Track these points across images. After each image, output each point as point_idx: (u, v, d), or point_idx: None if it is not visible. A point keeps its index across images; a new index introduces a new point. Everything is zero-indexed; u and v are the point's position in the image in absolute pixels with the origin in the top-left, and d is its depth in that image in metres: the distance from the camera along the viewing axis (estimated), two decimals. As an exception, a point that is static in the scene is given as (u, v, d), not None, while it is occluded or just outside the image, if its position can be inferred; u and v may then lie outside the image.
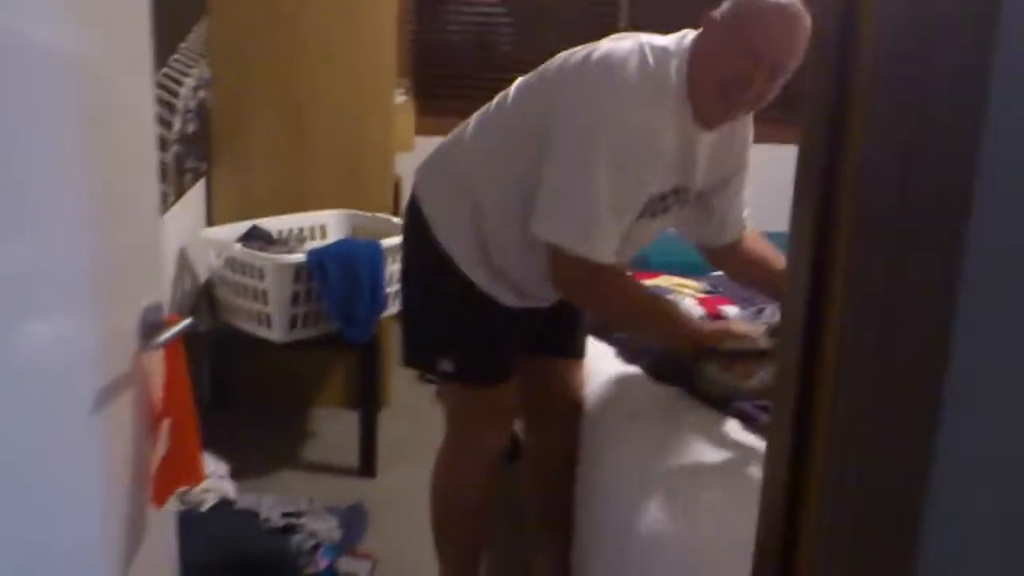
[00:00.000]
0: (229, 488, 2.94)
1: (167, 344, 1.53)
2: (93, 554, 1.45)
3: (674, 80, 1.99)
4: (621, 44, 2.04)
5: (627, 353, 2.55)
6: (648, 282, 3.05)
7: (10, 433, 1.23)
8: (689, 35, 2.06)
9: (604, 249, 1.99)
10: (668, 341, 2.26)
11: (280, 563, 2.62)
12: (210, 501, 2.81)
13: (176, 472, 1.61)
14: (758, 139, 2.27)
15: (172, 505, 1.76)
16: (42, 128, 1.26)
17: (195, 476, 1.65)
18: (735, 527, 1.73)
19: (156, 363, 1.55)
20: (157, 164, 1.65)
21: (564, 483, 2.48)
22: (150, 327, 1.52)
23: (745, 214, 2.39)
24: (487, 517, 2.50)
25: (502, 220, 2.15)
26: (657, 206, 2.12)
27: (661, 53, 2.01)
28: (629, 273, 2.44)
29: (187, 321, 1.57)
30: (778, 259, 2.34)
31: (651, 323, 2.21)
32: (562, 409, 2.50)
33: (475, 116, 2.26)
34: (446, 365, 2.31)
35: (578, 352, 2.54)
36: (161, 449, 1.59)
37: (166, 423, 1.58)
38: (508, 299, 2.26)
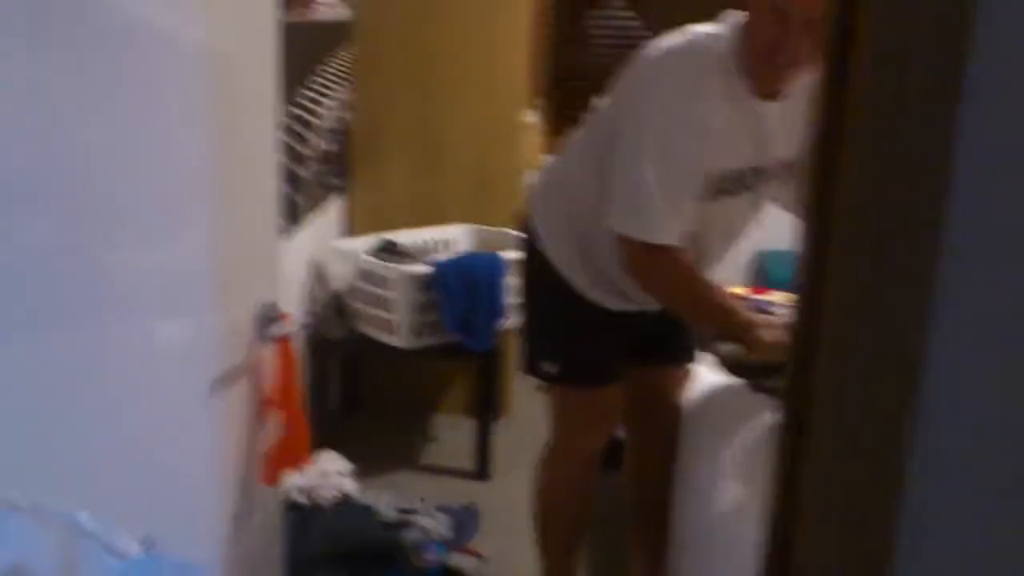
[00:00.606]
0: (350, 486, 3.13)
1: (279, 340, 1.71)
2: (205, 523, 1.63)
3: (721, 59, 2.04)
4: (671, 36, 2.10)
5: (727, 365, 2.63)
6: (758, 296, 3.11)
7: (138, 413, 1.41)
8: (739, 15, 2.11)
9: (659, 231, 2.05)
10: (718, 328, 2.24)
11: (392, 554, 2.79)
12: (333, 496, 3.01)
13: (285, 456, 1.78)
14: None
15: (279, 491, 1.93)
16: (177, 136, 1.45)
17: (301, 460, 1.82)
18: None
19: (269, 357, 1.73)
20: (278, 171, 1.83)
21: (662, 485, 2.55)
22: (265, 323, 1.70)
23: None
24: (585, 515, 2.61)
25: (593, 220, 2.22)
26: (734, 186, 2.15)
27: (707, 37, 2.07)
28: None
29: (299, 319, 1.74)
30: None
31: (705, 308, 2.20)
32: (664, 414, 2.56)
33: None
34: (550, 367, 2.43)
35: (683, 358, 2.59)
36: (271, 435, 1.77)
37: (276, 412, 1.76)
38: (609, 302, 2.34)
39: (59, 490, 1.24)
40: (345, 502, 2.97)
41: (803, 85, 2.07)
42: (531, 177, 3.93)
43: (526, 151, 3.95)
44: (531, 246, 2.42)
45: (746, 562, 1.96)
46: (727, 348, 2.20)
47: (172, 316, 1.50)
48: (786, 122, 2.13)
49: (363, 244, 3.55)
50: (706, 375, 2.59)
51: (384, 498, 3.08)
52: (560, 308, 2.41)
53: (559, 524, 2.62)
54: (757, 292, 3.27)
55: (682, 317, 2.37)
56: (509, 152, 3.84)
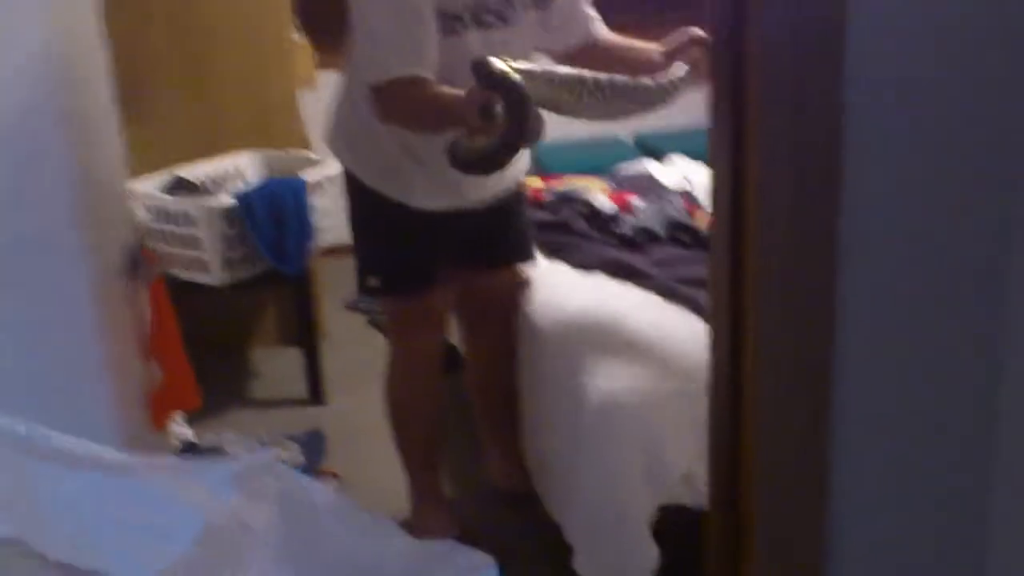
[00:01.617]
0: (188, 432, 3.05)
1: (152, 283, 1.65)
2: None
3: None
4: None
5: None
6: (557, 185, 3.23)
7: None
8: None
9: (395, 65, 2.11)
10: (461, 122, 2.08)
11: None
12: (176, 447, 2.92)
13: (172, 399, 1.73)
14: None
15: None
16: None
17: (191, 400, 1.77)
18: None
19: (144, 299, 1.66)
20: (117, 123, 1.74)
21: (502, 387, 2.67)
22: (134, 265, 1.63)
23: (594, 18, 2.43)
24: (436, 416, 2.68)
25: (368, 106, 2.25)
26: (480, 16, 2.20)
27: None
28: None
29: (166, 260, 1.68)
30: (638, 43, 2.41)
31: (450, 115, 2.09)
32: (498, 313, 2.65)
33: None
34: (373, 281, 2.47)
35: (515, 257, 2.64)
36: (154, 379, 1.71)
37: (156, 355, 1.70)
38: (418, 199, 2.37)
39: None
40: (190, 448, 2.90)
41: None
42: (308, 97, 3.88)
43: (299, 70, 3.86)
44: (340, 167, 2.47)
45: (603, 422, 2.09)
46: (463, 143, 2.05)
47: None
48: None
49: (152, 184, 3.39)
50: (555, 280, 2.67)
51: (227, 437, 3.04)
52: (376, 220, 2.46)
53: (412, 430, 2.67)
54: (548, 180, 3.38)
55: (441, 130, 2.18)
56: (282, 73, 3.74)
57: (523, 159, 2.50)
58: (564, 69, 2.14)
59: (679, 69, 2.16)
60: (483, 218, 2.49)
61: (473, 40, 2.20)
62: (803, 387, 1.13)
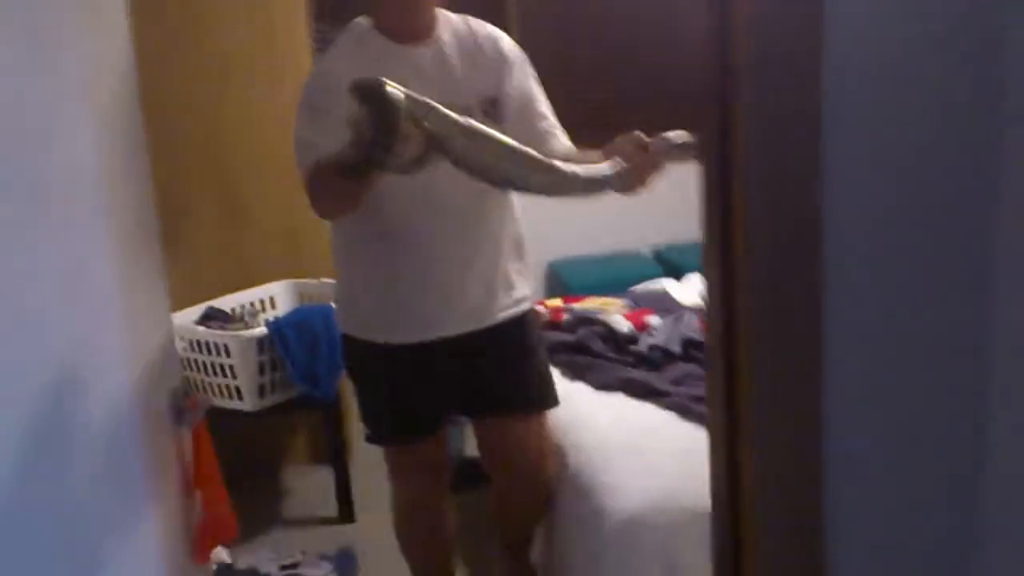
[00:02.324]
0: (224, 555, 3.15)
1: (194, 424, 1.78)
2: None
3: (361, 24, 2.25)
4: None
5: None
6: (576, 305, 3.36)
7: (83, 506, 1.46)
8: None
9: (304, 156, 2.08)
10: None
11: (288, 612, 2.85)
12: (211, 569, 3.02)
13: (213, 532, 1.85)
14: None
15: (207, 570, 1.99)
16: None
17: (230, 532, 1.89)
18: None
19: (187, 441, 1.79)
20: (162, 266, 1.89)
21: (526, 529, 2.67)
22: (177, 410, 1.76)
23: (550, 133, 2.32)
24: (442, 548, 2.67)
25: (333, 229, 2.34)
26: None
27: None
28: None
29: (206, 401, 1.82)
30: (592, 153, 2.16)
31: (329, 183, 2.00)
32: (515, 467, 2.51)
33: None
34: (366, 429, 2.50)
35: (520, 407, 2.46)
36: (198, 515, 1.83)
37: (199, 492, 1.82)
38: (383, 333, 2.30)
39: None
40: (227, 570, 3.00)
41: (452, 33, 2.25)
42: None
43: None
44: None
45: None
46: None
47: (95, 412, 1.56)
48: (445, 67, 2.22)
49: (187, 316, 3.56)
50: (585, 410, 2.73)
51: (263, 556, 3.13)
52: (360, 369, 2.44)
53: (418, 561, 2.70)
54: (568, 300, 3.52)
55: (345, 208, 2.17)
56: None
57: (520, 288, 2.40)
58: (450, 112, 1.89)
59: (605, 166, 2.03)
60: (477, 359, 2.37)
61: None
62: (799, 487, 1.22)
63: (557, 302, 3.41)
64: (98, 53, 1.70)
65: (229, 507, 1.88)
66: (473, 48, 2.27)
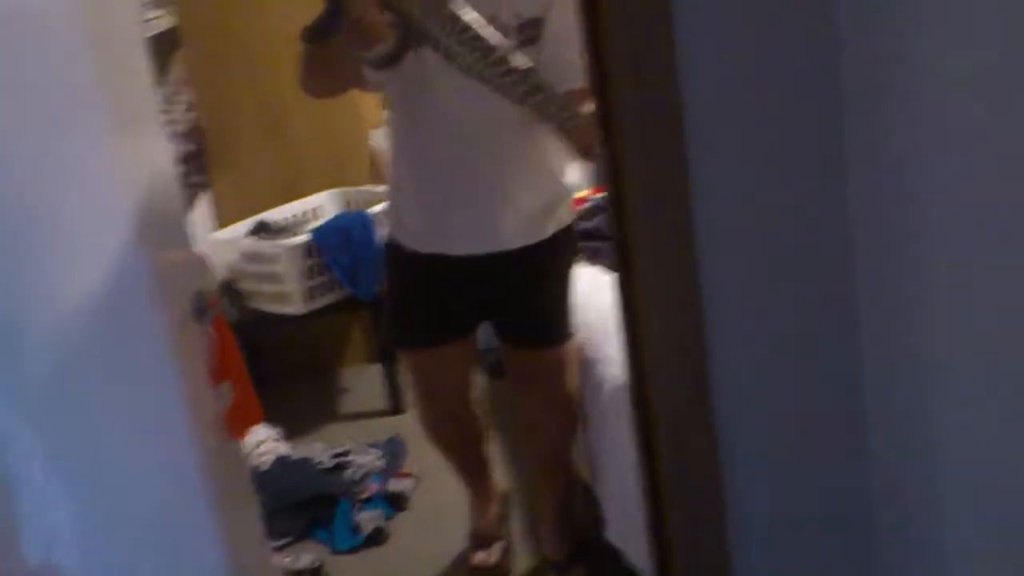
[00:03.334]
0: (284, 448, 3.43)
1: (215, 321, 2.00)
2: (193, 480, 1.93)
3: None
4: None
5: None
6: (599, 195, 3.49)
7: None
8: None
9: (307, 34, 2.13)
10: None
11: (339, 493, 3.12)
12: (271, 460, 3.31)
13: (242, 416, 2.09)
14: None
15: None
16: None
17: (256, 417, 2.12)
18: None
19: (210, 335, 2.02)
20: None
21: (553, 452, 2.69)
22: (201, 310, 1.99)
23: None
24: (470, 437, 2.72)
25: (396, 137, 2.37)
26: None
27: None
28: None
29: (222, 300, 2.04)
30: None
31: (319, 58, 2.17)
32: (539, 394, 2.58)
33: None
34: (389, 334, 2.63)
35: (547, 340, 2.50)
36: (226, 402, 2.07)
37: (225, 382, 2.06)
38: (412, 239, 2.35)
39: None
40: (283, 462, 3.28)
41: None
42: (377, 134, 4.25)
43: (367, 112, 4.23)
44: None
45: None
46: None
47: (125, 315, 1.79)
48: None
49: (239, 230, 3.81)
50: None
51: (316, 448, 3.41)
52: (392, 272, 2.52)
53: (448, 451, 2.78)
54: (598, 192, 3.66)
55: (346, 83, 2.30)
56: (352, 115, 4.11)
57: (553, 212, 2.39)
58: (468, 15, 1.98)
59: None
60: (505, 281, 2.40)
61: (435, 62, 2.11)
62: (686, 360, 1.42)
63: (583, 192, 3.56)
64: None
65: (253, 392, 2.11)
66: None
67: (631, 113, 1.35)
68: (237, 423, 2.09)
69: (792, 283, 1.39)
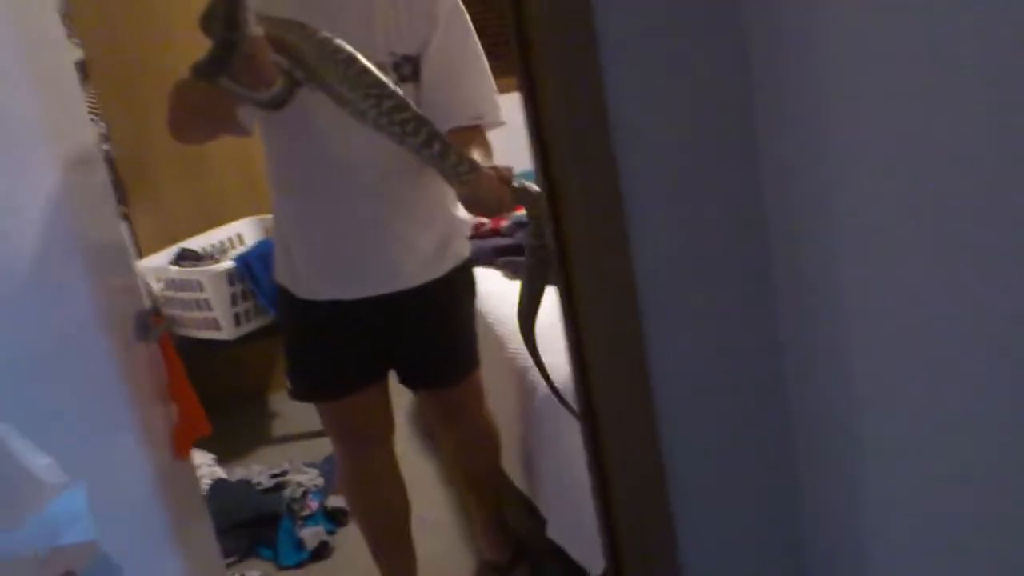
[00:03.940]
0: (220, 471, 3.45)
1: (160, 339, 2.04)
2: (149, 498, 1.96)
3: None
4: None
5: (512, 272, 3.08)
6: (517, 212, 3.60)
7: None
8: None
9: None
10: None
11: (280, 511, 3.16)
12: (208, 484, 3.33)
13: (190, 430, 2.12)
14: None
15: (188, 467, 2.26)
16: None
17: (204, 429, 2.16)
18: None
19: (156, 356, 2.06)
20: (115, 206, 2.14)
21: (479, 465, 2.67)
22: (143, 328, 2.03)
23: (482, 107, 2.17)
24: (393, 513, 2.52)
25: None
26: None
27: None
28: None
29: (168, 318, 2.09)
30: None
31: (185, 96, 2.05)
32: (459, 430, 2.56)
33: None
34: (289, 385, 2.46)
35: (454, 375, 2.43)
36: (173, 417, 2.11)
37: (171, 401, 2.10)
38: (304, 286, 2.23)
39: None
40: (222, 484, 3.30)
41: None
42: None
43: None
44: None
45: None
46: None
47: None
48: (368, 12, 2.07)
49: (162, 259, 3.82)
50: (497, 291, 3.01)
51: (254, 471, 3.43)
52: (286, 319, 2.38)
53: (368, 529, 2.55)
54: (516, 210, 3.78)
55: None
56: (267, 143, 4.16)
57: (448, 246, 2.29)
58: (328, 37, 1.86)
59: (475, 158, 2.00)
60: (403, 322, 2.29)
61: (318, 106, 1.97)
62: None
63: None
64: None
65: (199, 407, 2.15)
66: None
67: (567, 134, 1.43)
68: (185, 440, 2.13)
69: (714, 280, 1.49)
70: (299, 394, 2.42)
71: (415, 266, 2.24)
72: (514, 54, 1.51)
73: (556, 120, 1.44)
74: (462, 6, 2.17)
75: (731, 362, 1.54)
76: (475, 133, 2.15)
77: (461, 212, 2.28)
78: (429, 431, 2.91)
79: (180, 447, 2.13)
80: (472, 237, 3.11)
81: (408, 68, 2.10)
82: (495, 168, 2.01)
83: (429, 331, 2.34)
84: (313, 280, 2.23)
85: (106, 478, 1.84)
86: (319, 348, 2.32)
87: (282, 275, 2.30)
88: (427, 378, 2.44)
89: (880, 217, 1.19)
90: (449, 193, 2.22)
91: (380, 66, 1.95)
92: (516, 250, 3.22)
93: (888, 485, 1.35)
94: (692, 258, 1.48)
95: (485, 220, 3.53)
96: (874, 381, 1.31)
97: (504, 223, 3.47)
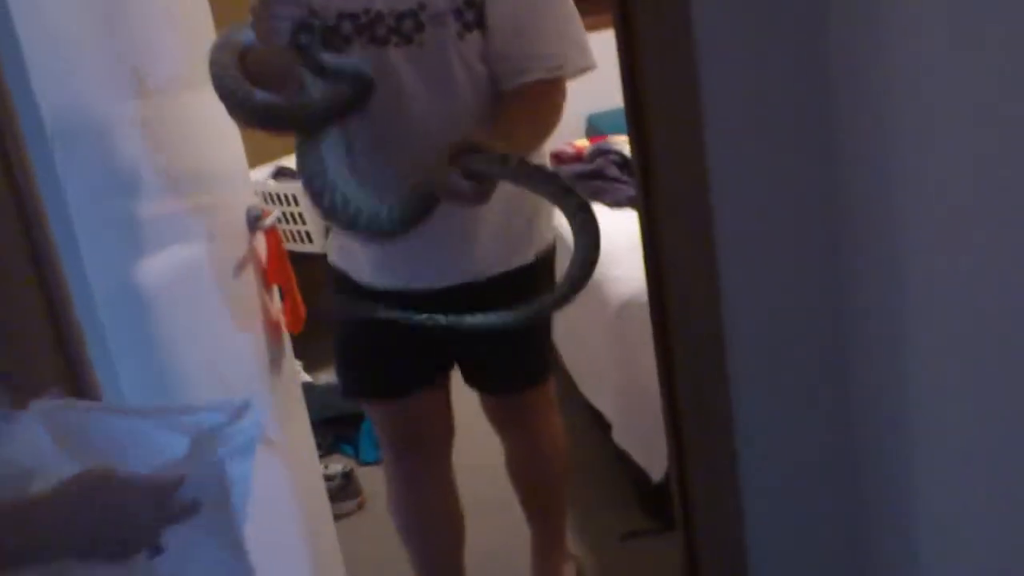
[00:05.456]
0: (307, 376, 3.67)
1: (268, 231, 2.25)
2: (254, 363, 2.17)
3: None
4: None
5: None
6: (599, 142, 3.72)
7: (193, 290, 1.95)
8: None
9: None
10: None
11: (361, 413, 3.36)
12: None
13: (291, 315, 2.33)
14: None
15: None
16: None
17: (301, 321, 2.36)
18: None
19: (262, 244, 2.26)
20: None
21: (540, 480, 2.41)
22: (254, 220, 2.23)
23: (565, 55, 1.85)
24: (446, 537, 2.34)
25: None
26: (371, 29, 1.78)
27: None
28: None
29: (277, 211, 2.29)
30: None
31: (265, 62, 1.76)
32: (523, 443, 2.33)
33: None
34: (340, 382, 2.25)
35: (524, 382, 2.19)
36: (278, 302, 2.32)
37: (275, 286, 2.31)
38: (367, 272, 2.00)
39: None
40: (309, 387, 3.52)
41: None
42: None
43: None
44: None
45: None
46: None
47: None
48: None
49: (262, 173, 4.04)
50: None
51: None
52: (333, 302, 2.21)
53: (416, 551, 2.36)
54: (593, 140, 3.90)
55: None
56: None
57: (540, 227, 2.05)
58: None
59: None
60: (455, 332, 1.85)
61: (406, 67, 1.78)
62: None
63: (584, 142, 3.79)
64: None
65: (300, 298, 2.36)
66: None
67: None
68: (288, 319, 2.34)
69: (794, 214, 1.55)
70: (352, 390, 2.20)
71: (495, 252, 1.98)
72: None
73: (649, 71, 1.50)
74: None
75: (803, 289, 1.59)
76: (541, 97, 1.82)
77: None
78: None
79: (292, 323, 2.34)
80: (554, 164, 3.30)
81: (472, 14, 1.78)
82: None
83: (504, 331, 1.82)
84: (376, 265, 1.98)
85: (231, 355, 2.07)
86: (377, 341, 2.05)
87: (338, 255, 2.08)
88: (492, 381, 2.18)
89: (943, 212, 1.25)
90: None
91: (438, 16, 1.75)
92: (594, 175, 3.37)
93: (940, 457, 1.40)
94: (767, 185, 1.54)
95: (567, 147, 3.67)
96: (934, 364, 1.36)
97: (586, 150, 3.60)
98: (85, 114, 1.59)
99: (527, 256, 2.04)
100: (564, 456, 2.37)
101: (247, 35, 1.72)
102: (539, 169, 1.65)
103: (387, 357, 2.08)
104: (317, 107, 1.68)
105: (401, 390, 2.12)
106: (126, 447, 1.11)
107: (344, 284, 2.05)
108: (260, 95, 1.70)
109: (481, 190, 1.58)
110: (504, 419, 2.29)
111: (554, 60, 1.82)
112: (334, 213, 1.69)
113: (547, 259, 2.10)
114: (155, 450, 1.08)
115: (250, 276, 2.20)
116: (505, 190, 1.70)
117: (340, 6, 1.77)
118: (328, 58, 1.63)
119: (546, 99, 1.83)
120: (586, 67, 1.88)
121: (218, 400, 1.21)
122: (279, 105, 1.71)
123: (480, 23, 1.79)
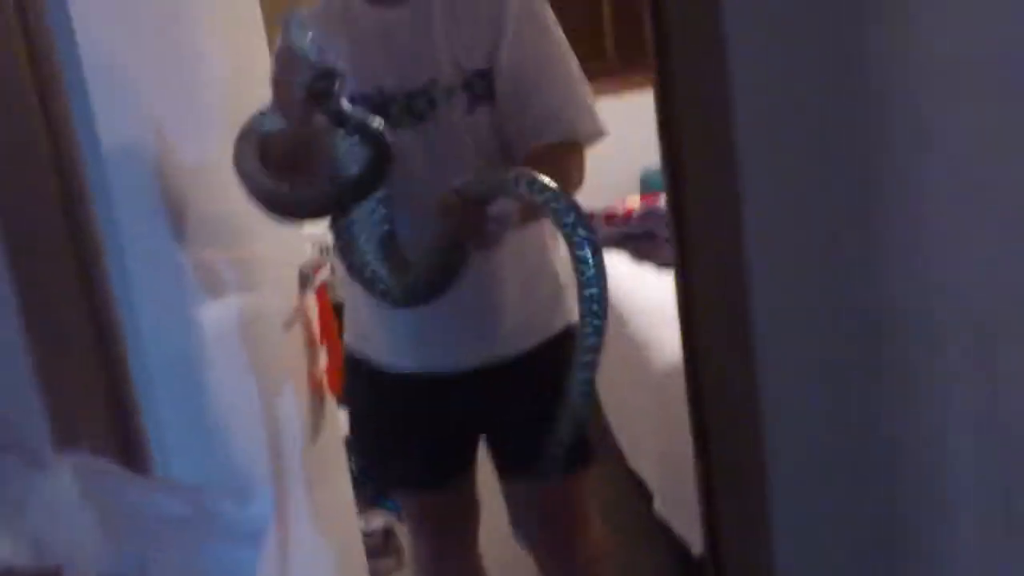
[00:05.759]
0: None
1: (318, 289, 2.29)
2: (296, 420, 2.20)
3: None
4: None
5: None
6: (650, 202, 3.72)
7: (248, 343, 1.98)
8: None
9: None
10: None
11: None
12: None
13: (336, 373, 2.37)
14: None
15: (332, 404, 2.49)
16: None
17: (339, 386, 2.39)
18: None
19: (312, 304, 2.30)
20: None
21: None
22: (305, 279, 2.27)
23: (574, 123, 1.78)
24: None
25: None
26: (389, 110, 1.74)
27: None
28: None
29: (326, 268, 2.34)
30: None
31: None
32: (550, 542, 2.08)
33: None
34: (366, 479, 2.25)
35: (544, 473, 1.77)
36: (323, 361, 2.36)
37: (323, 344, 2.34)
38: (385, 354, 1.90)
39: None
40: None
41: None
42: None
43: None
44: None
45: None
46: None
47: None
48: (424, 34, 1.76)
49: (320, 228, 4.10)
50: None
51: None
52: (357, 396, 2.07)
53: None
54: (645, 199, 3.91)
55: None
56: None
57: (565, 299, 1.93)
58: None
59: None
60: (498, 399, 1.88)
61: (417, 142, 1.75)
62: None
63: (635, 200, 3.81)
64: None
65: (341, 350, 2.38)
66: (469, 5, 1.77)
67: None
68: (333, 379, 2.38)
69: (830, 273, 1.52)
70: (379, 485, 2.18)
71: (519, 326, 1.87)
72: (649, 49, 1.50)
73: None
74: (536, 4, 1.81)
75: (836, 353, 1.56)
76: (557, 159, 1.71)
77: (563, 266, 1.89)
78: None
79: (333, 383, 2.37)
80: (604, 224, 3.32)
81: (481, 85, 1.76)
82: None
83: (534, 405, 1.72)
84: (393, 346, 1.88)
85: (273, 412, 2.09)
86: (401, 429, 1.97)
87: (354, 338, 1.96)
88: (524, 467, 1.84)
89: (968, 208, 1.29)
90: (552, 237, 1.89)
91: (449, 89, 1.74)
92: (643, 237, 3.40)
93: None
94: (801, 250, 1.53)
95: (618, 206, 3.69)
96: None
97: (634, 210, 3.64)
98: (141, 158, 1.59)
99: (555, 327, 1.91)
100: (603, 562, 2.13)
101: (269, 122, 1.63)
102: (540, 180, 1.42)
103: (421, 445, 1.98)
104: (329, 197, 1.59)
105: (435, 480, 2.03)
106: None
107: (360, 369, 1.96)
108: (279, 185, 1.61)
109: (493, 214, 1.49)
110: (536, 516, 2.05)
111: (564, 126, 1.77)
112: (373, 290, 1.63)
113: (572, 332, 1.83)
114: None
115: (297, 333, 2.23)
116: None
117: (350, 87, 1.59)
118: (347, 105, 1.50)
119: (561, 162, 1.70)
120: (597, 134, 1.81)
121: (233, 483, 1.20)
122: (293, 195, 1.63)
123: (490, 94, 1.77)
